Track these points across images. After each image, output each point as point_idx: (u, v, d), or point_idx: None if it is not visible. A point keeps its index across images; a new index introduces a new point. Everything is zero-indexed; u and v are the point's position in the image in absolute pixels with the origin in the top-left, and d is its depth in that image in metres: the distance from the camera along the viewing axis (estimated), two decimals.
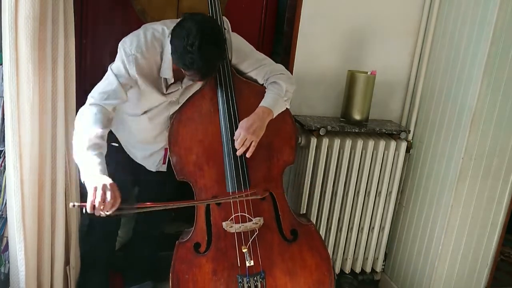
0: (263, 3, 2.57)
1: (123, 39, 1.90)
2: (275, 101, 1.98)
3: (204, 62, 1.71)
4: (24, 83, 1.82)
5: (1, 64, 1.90)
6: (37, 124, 1.90)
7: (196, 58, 1.70)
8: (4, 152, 1.96)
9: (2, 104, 1.93)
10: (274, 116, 1.98)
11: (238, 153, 1.95)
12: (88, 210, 1.61)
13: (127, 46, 1.86)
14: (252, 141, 1.93)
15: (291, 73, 2.53)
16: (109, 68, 1.90)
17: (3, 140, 1.95)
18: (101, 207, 1.61)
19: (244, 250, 2.00)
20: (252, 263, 2.01)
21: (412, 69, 2.70)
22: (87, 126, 1.78)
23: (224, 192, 2.03)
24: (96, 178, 1.65)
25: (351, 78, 2.50)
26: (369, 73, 2.51)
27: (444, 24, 2.51)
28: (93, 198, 1.61)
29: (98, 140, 1.77)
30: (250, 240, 2.04)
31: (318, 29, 2.53)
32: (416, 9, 2.63)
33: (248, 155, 1.97)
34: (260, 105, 1.96)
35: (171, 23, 1.89)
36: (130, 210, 1.74)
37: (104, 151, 1.79)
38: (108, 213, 1.63)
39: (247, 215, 2.03)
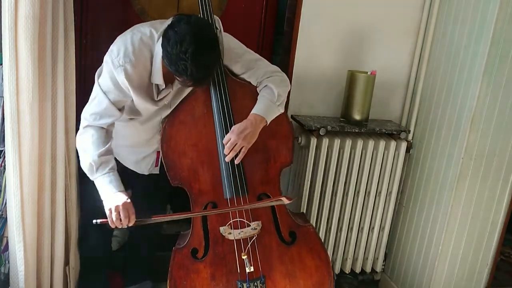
0: (263, 3, 2.57)
1: (110, 47, 1.81)
2: (267, 108, 1.91)
3: (197, 69, 1.65)
4: (24, 83, 1.82)
5: (1, 64, 1.89)
6: (37, 124, 1.89)
7: (190, 65, 1.63)
8: (4, 152, 1.96)
9: (2, 104, 1.92)
10: (268, 123, 1.91)
11: (228, 158, 1.89)
12: (111, 226, 1.79)
13: (114, 56, 1.77)
14: (243, 147, 1.87)
15: (291, 73, 2.54)
16: (96, 83, 1.83)
17: (3, 140, 1.95)
18: (119, 224, 1.78)
19: (244, 257, 1.96)
20: (252, 269, 1.97)
21: (412, 69, 2.70)
22: (88, 150, 1.81)
23: (222, 198, 1.98)
24: (110, 199, 1.77)
25: (351, 78, 2.50)
26: (369, 73, 2.51)
27: (444, 24, 2.51)
28: (110, 219, 1.77)
29: (103, 158, 1.80)
30: (249, 245, 1.99)
31: (318, 29, 2.53)
32: (416, 9, 2.63)
33: (236, 161, 1.91)
34: (252, 112, 1.89)
35: (160, 25, 1.82)
36: (147, 222, 1.86)
37: (114, 164, 1.82)
38: (128, 226, 1.80)
39: (245, 221, 1.99)
